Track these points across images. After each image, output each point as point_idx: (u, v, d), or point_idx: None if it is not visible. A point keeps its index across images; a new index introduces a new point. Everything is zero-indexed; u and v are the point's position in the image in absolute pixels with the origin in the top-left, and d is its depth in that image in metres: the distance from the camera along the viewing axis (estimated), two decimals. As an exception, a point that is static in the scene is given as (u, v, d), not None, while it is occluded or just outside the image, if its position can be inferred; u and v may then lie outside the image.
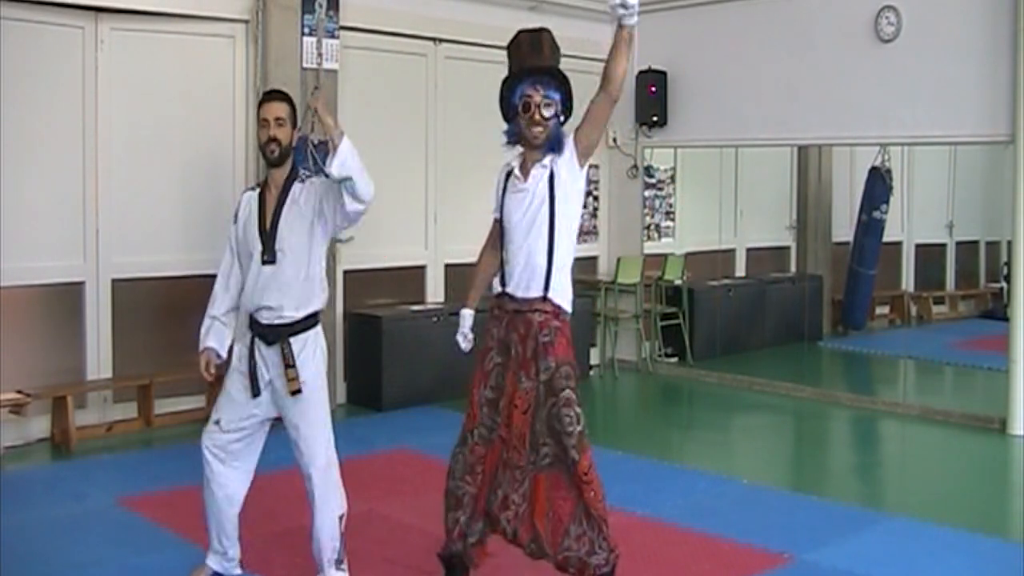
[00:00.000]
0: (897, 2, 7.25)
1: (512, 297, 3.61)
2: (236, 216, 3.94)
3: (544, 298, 3.58)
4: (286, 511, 4.41)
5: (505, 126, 3.67)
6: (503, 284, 3.64)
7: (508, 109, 3.63)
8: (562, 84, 3.59)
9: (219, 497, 3.91)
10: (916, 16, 7.19)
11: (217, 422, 3.90)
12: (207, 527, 4.02)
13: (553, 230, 3.57)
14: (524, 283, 3.58)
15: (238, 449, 3.91)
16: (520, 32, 3.69)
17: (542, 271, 3.57)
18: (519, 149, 3.67)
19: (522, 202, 3.60)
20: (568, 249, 3.63)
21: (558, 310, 3.61)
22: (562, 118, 3.62)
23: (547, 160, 3.60)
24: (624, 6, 3.35)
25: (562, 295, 3.62)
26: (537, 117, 3.52)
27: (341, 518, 3.91)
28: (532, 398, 3.56)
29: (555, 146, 3.59)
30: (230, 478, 3.91)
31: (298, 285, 3.80)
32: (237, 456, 3.91)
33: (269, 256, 3.78)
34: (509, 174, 3.68)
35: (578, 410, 3.56)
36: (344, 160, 3.57)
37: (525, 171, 3.62)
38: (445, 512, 3.72)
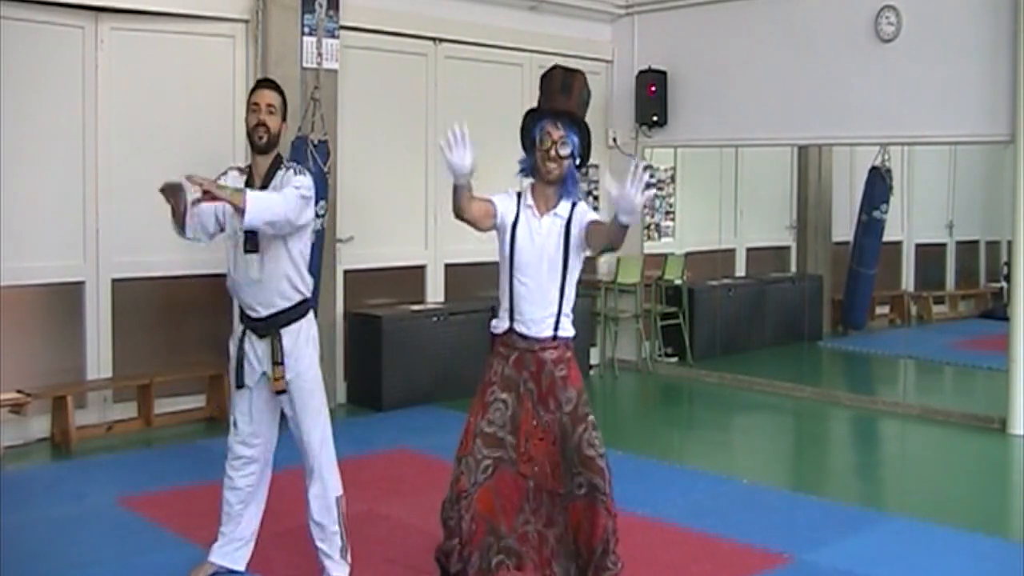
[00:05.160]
0: (897, 2, 7.25)
1: (522, 336, 3.62)
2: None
3: (554, 337, 3.64)
4: (287, 511, 4.41)
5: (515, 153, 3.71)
6: (511, 320, 3.64)
7: (527, 140, 3.67)
8: (582, 131, 3.63)
9: (242, 489, 3.97)
10: (916, 16, 7.19)
11: (235, 424, 3.95)
12: (220, 517, 4.03)
13: (565, 280, 3.64)
14: (535, 324, 3.62)
15: (259, 443, 3.96)
16: (556, 67, 3.71)
17: (552, 316, 3.63)
18: (528, 181, 3.70)
19: (536, 242, 3.62)
20: (572, 296, 3.70)
21: (566, 342, 3.68)
22: (578, 161, 3.66)
23: (562, 210, 3.64)
24: (629, 210, 3.29)
25: (568, 330, 3.68)
26: (553, 153, 3.56)
27: (339, 500, 3.95)
28: (556, 430, 3.61)
29: (568, 187, 3.64)
30: (254, 471, 3.97)
31: (281, 273, 3.81)
32: (259, 450, 3.97)
33: (252, 245, 3.78)
34: (519, 197, 3.68)
35: (599, 432, 3.64)
36: (251, 218, 3.54)
37: (539, 210, 3.64)
38: (444, 535, 3.70)
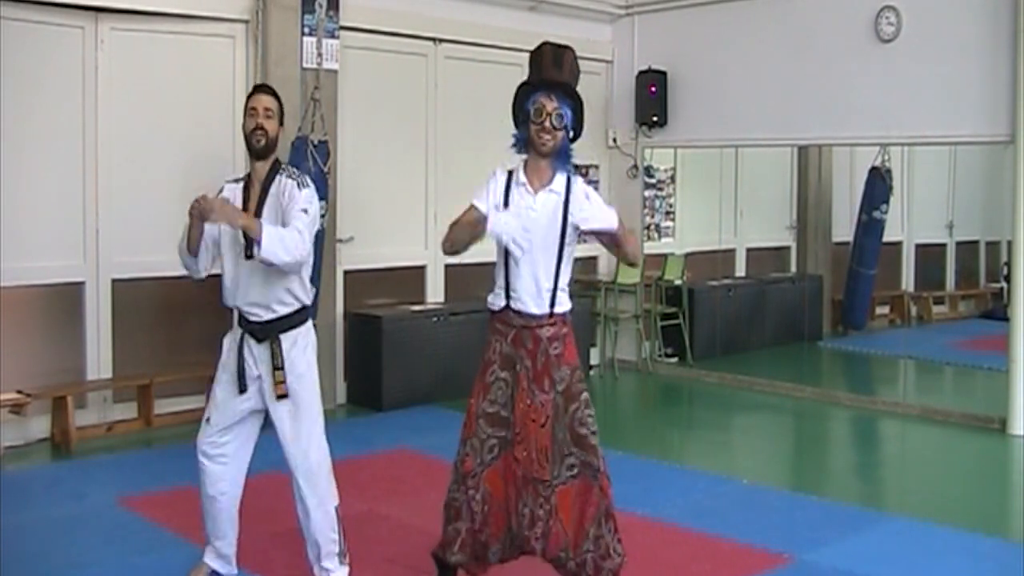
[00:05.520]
0: (897, 2, 7.25)
1: (518, 313, 3.62)
2: None
3: (550, 314, 3.62)
4: (286, 511, 4.40)
5: (512, 131, 3.70)
6: (507, 299, 3.63)
7: (520, 115, 3.64)
8: (576, 103, 3.63)
9: (213, 495, 3.92)
10: (916, 16, 7.19)
11: (208, 420, 3.91)
12: (204, 528, 4.02)
13: (561, 257, 3.62)
14: (530, 302, 3.61)
15: (229, 444, 3.91)
16: (545, 44, 3.69)
17: (548, 293, 3.61)
18: (521, 157, 3.68)
19: (531, 218, 3.58)
20: (569, 271, 3.69)
21: (563, 317, 3.66)
22: (571, 134, 3.65)
23: (557, 186, 3.62)
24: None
25: (564, 304, 3.67)
26: (548, 125, 3.55)
27: (336, 509, 3.93)
28: (549, 410, 3.58)
29: (562, 160, 3.62)
30: (223, 475, 3.91)
31: (282, 279, 3.79)
32: (229, 453, 3.91)
33: (251, 251, 3.76)
34: (509, 177, 3.66)
35: (593, 410, 3.64)
36: (267, 251, 3.57)
37: (533, 186, 3.62)
38: (444, 522, 3.72)
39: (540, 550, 3.62)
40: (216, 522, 3.96)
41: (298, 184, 3.81)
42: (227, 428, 3.89)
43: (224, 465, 3.91)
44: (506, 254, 3.61)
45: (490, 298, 3.71)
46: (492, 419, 3.62)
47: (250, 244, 3.73)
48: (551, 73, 3.59)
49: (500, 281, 3.66)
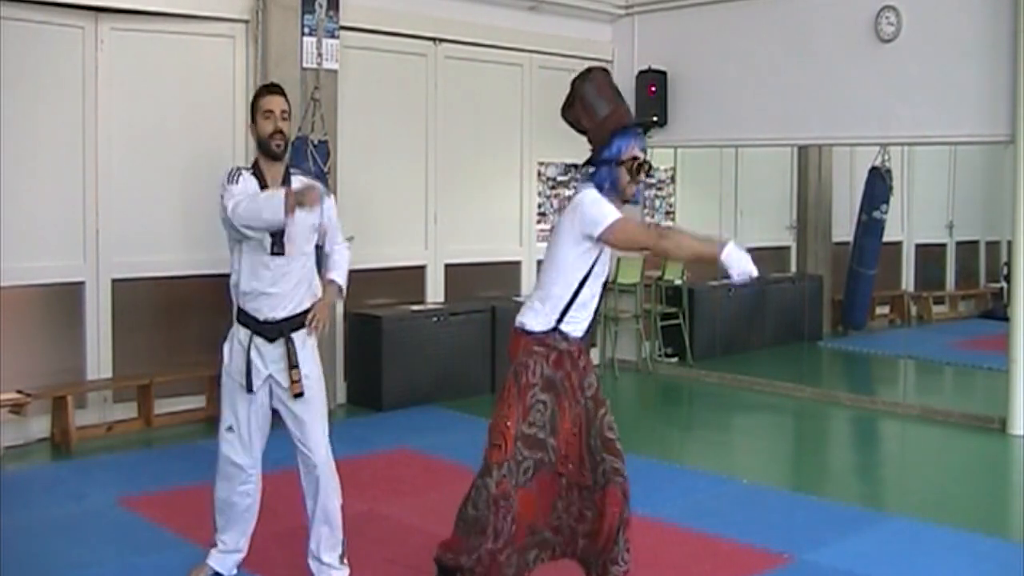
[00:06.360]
0: (897, 2, 7.25)
1: (566, 337, 3.65)
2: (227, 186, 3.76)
3: (581, 338, 3.73)
4: (286, 511, 4.41)
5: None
6: (559, 321, 3.63)
7: (608, 156, 3.65)
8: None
9: (246, 501, 3.94)
10: (916, 16, 7.19)
11: (230, 428, 3.89)
12: (214, 526, 4.02)
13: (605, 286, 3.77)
14: (583, 329, 3.69)
15: (253, 447, 3.92)
16: (595, 70, 3.75)
17: (592, 318, 3.74)
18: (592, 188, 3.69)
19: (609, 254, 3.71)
20: None
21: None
22: None
23: None
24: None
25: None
26: (643, 177, 3.66)
27: (341, 506, 3.94)
28: (582, 418, 3.65)
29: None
30: (251, 477, 3.93)
31: (300, 278, 3.83)
32: (254, 454, 3.93)
33: (279, 248, 3.76)
34: None
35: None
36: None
37: None
38: (464, 534, 3.65)
39: (581, 548, 3.67)
40: (242, 522, 3.98)
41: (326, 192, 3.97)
42: (249, 432, 3.88)
43: (255, 468, 3.93)
44: (581, 283, 3.62)
45: (530, 317, 3.65)
46: (529, 441, 3.59)
47: (277, 242, 3.74)
48: (623, 107, 3.69)
49: (558, 304, 3.63)
